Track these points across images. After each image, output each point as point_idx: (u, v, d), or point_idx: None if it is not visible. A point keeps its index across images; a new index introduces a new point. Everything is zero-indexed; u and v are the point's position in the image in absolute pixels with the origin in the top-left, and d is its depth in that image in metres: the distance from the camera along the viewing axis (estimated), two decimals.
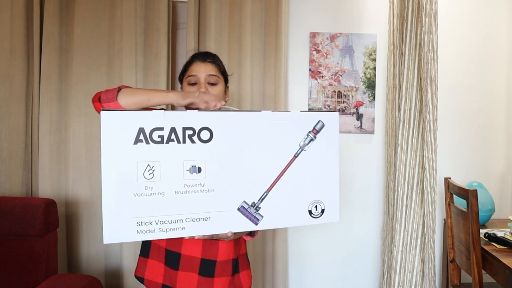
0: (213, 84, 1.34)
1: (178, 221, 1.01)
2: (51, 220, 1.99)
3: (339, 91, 2.57)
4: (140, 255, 1.39)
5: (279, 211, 1.09)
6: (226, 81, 1.41)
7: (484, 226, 2.30)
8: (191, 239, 1.23)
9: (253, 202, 1.06)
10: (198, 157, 1.01)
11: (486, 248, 1.92)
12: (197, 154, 1.01)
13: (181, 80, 1.41)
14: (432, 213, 2.02)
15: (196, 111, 1.02)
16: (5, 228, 1.92)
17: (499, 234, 2.05)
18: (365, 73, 2.57)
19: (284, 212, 1.10)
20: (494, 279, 1.86)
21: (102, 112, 0.94)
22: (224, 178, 1.03)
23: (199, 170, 1.01)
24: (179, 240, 1.29)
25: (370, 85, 2.57)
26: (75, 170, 2.37)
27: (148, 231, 0.99)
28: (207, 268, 1.31)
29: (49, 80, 2.33)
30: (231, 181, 1.04)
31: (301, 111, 1.11)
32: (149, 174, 0.97)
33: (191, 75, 1.34)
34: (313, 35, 2.55)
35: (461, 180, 2.47)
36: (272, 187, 1.08)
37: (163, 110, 1.00)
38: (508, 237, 2.00)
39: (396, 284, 2.09)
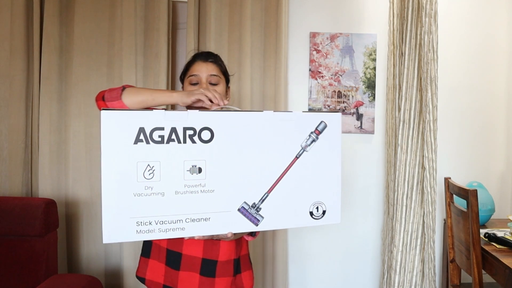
0: (214, 84, 1.34)
1: (178, 221, 1.01)
2: (51, 220, 1.99)
3: (339, 91, 2.57)
4: (141, 255, 1.39)
5: (279, 212, 1.09)
6: (227, 81, 1.42)
7: (484, 226, 2.30)
8: (192, 239, 1.22)
9: (254, 203, 1.06)
10: (198, 157, 1.00)
11: (486, 248, 1.92)
12: (197, 154, 1.00)
13: (182, 80, 1.41)
14: (432, 213, 2.02)
15: (197, 111, 1.02)
16: (5, 228, 1.92)
17: (499, 234, 2.05)
18: (365, 73, 2.57)
19: (285, 213, 1.09)
20: (494, 279, 1.86)
21: (102, 112, 0.94)
22: (225, 179, 1.03)
23: (200, 170, 1.01)
24: (180, 240, 1.29)
25: (370, 85, 2.57)
26: (75, 170, 2.37)
27: (147, 231, 0.99)
28: (208, 268, 1.30)
29: (49, 80, 2.33)
30: (232, 181, 1.03)
31: (303, 111, 1.10)
32: (149, 174, 0.97)
33: (192, 75, 1.34)
34: (313, 35, 2.55)
35: (461, 180, 2.47)
36: (273, 188, 1.07)
37: (163, 110, 0.99)
38: (508, 237, 2.01)
39: (396, 284, 2.09)
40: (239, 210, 1.05)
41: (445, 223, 2.38)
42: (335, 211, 1.15)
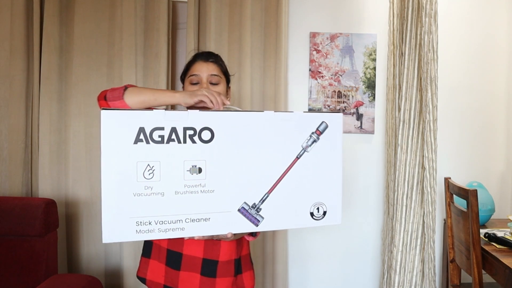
0: (215, 84, 1.34)
1: (178, 221, 1.01)
2: (51, 220, 1.99)
3: (339, 91, 2.57)
4: (142, 255, 1.39)
5: (280, 213, 1.08)
6: (228, 81, 1.41)
7: (484, 226, 2.30)
8: (192, 239, 1.22)
9: (254, 203, 1.06)
10: (198, 158, 1.00)
11: (486, 248, 1.92)
12: (197, 154, 1.00)
13: (182, 80, 1.41)
14: (432, 213, 2.02)
15: (197, 111, 1.02)
16: (5, 228, 1.92)
17: (499, 234, 2.05)
18: (365, 73, 2.57)
19: (285, 213, 1.09)
20: (494, 279, 1.86)
21: (102, 111, 0.94)
22: (225, 179, 1.03)
23: (200, 170, 1.01)
24: (181, 240, 1.29)
25: (370, 85, 2.57)
26: (75, 170, 2.37)
27: (147, 231, 0.99)
28: (209, 268, 1.30)
29: (49, 80, 2.33)
30: (232, 181, 1.03)
31: (304, 111, 1.10)
32: (149, 174, 0.97)
33: (193, 75, 1.34)
34: (313, 35, 2.55)
35: (461, 180, 2.47)
36: (274, 188, 1.07)
37: (163, 110, 0.99)
38: (508, 237, 2.00)
39: (396, 284, 2.09)
40: (239, 210, 1.05)
41: (445, 223, 2.38)
42: (336, 211, 1.14)
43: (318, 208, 1.12)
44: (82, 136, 2.37)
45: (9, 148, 2.32)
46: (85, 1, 2.36)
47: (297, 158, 1.08)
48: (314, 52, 2.56)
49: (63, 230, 2.35)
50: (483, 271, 1.89)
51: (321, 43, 2.55)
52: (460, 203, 2.11)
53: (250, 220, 1.06)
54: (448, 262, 2.26)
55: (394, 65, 2.28)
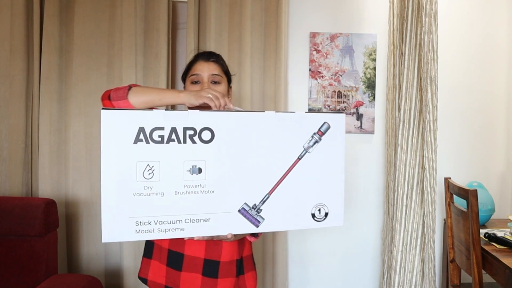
0: (216, 83, 1.33)
1: (178, 221, 1.00)
2: (51, 220, 1.99)
3: (339, 91, 2.57)
4: (144, 255, 1.38)
5: (281, 214, 1.08)
6: (229, 81, 1.41)
7: (484, 226, 2.30)
8: (193, 239, 1.22)
9: (255, 204, 1.05)
10: (198, 158, 1.00)
11: (486, 248, 1.92)
12: (197, 154, 1.00)
13: (183, 80, 1.41)
14: (432, 213, 2.02)
15: (198, 111, 1.01)
16: (5, 228, 1.92)
17: (499, 234, 2.05)
18: (365, 73, 2.57)
19: (286, 215, 1.08)
20: (494, 279, 1.86)
21: (102, 111, 0.94)
22: (225, 179, 1.02)
23: (200, 170, 1.00)
24: (182, 240, 1.28)
25: (370, 85, 2.57)
26: (75, 170, 2.37)
27: (147, 231, 0.98)
28: (210, 268, 1.29)
29: (49, 80, 2.33)
30: (232, 182, 1.03)
31: (306, 112, 1.09)
32: (149, 174, 0.97)
33: (194, 74, 1.34)
34: (313, 35, 2.55)
35: (461, 180, 2.47)
36: (274, 189, 1.06)
37: (163, 110, 0.99)
38: (508, 237, 2.00)
39: (396, 284, 2.09)
40: (239, 211, 1.04)
41: (445, 223, 2.38)
42: (337, 213, 1.13)
43: (319, 210, 1.11)
44: (82, 136, 2.37)
45: (9, 148, 2.32)
46: (85, 1, 2.36)
47: (299, 159, 1.07)
48: (314, 52, 2.56)
49: (63, 230, 2.35)
50: (483, 271, 1.89)
51: (321, 43, 2.55)
52: (460, 203, 2.10)
53: (251, 221, 1.05)
54: (448, 262, 2.26)
55: (394, 65, 2.28)
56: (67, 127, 2.37)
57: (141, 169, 0.97)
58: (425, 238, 2.07)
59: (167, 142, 0.98)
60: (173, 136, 0.98)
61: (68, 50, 2.37)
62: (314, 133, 1.08)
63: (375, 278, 2.64)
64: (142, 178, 0.97)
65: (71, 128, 2.37)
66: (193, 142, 1.00)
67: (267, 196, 1.06)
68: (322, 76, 2.56)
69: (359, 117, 2.57)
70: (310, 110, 2.56)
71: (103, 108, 0.95)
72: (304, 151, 1.08)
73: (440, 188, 2.38)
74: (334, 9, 2.57)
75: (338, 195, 1.13)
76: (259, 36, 2.44)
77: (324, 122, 1.09)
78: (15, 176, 2.33)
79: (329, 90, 2.56)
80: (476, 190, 1.87)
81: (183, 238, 1.10)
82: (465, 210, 1.95)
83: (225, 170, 1.02)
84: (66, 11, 2.37)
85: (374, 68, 2.57)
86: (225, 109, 1.16)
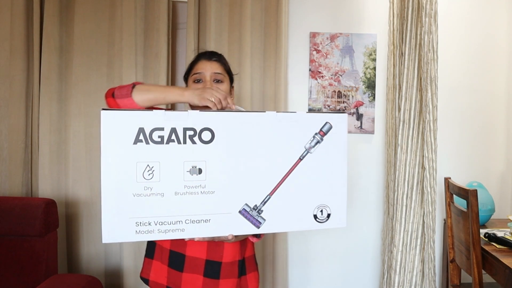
0: (218, 82, 1.33)
1: (178, 222, 1.00)
2: (51, 220, 1.99)
3: (339, 91, 2.57)
4: (146, 256, 1.38)
5: (282, 215, 1.07)
6: (231, 80, 1.41)
7: (484, 226, 2.30)
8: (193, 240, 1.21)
9: (255, 205, 1.04)
10: (198, 158, 1.00)
11: (486, 248, 1.92)
12: (197, 155, 0.99)
13: (185, 79, 1.40)
14: (432, 213, 2.02)
15: (198, 111, 1.01)
16: (5, 228, 1.92)
17: (499, 234, 2.05)
18: (365, 73, 2.57)
19: (287, 216, 1.07)
20: (494, 279, 1.86)
21: (102, 112, 0.94)
22: (225, 180, 1.02)
23: (200, 171, 1.00)
24: (183, 241, 1.27)
25: (370, 85, 2.57)
26: (75, 170, 2.37)
27: (147, 232, 0.98)
28: (212, 269, 1.29)
29: (49, 80, 2.33)
30: (233, 183, 1.02)
31: (307, 112, 1.09)
32: (149, 175, 0.97)
33: (196, 73, 1.33)
34: (313, 35, 2.55)
35: (461, 180, 2.47)
36: (276, 190, 1.05)
37: (163, 110, 0.99)
38: (508, 237, 2.00)
39: (396, 284, 2.09)
40: (240, 212, 1.04)
41: (445, 223, 2.38)
42: (340, 214, 1.12)
43: (321, 211, 1.10)
44: (82, 136, 2.37)
45: (9, 148, 2.32)
46: (85, 1, 2.36)
47: (300, 159, 1.06)
48: (314, 52, 2.55)
49: (63, 230, 2.35)
50: (483, 271, 1.89)
51: (321, 43, 2.55)
52: (460, 203, 2.10)
53: (251, 222, 1.05)
54: (448, 262, 2.26)
55: (394, 65, 2.28)
56: (67, 127, 2.37)
57: (141, 170, 0.96)
58: (425, 238, 2.07)
59: (167, 142, 0.98)
60: (173, 137, 0.98)
61: (68, 50, 2.37)
62: (316, 133, 1.07)
63: (375, 278, 2.64)
64: (142, 178, 0.97)
65: (71, 128, 2.37)
66: (193, 142, 0.99)
67: (268, 197, 1.05)
68: (322, 76, 2.56)
69: (359, 117, 2.57)
70: (310, 110, 2.56)
71: (103, 109, 0.95)
72: (306, 152, 1.07)
73: (440, 188, 2.38)
74: (334, 9, 2.57)
75: (341, 196, 1.12)
76: (259, 36, 2.44)
77: (326, 122, 1.08)
78: (15, 176, 2.33)
79: (329, 90, 2.56)
80: (476, 190, 1.87)
81: (184, 239, 1.09)
82: (465, 210, 1.95)
83: (226, 171, 1.02)
84: (66, 11, 2.37)
85: (374, 68, 2.57)
86: (227, 109, 1.16)
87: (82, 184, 2.38)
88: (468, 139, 2.62)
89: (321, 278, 2.64)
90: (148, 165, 0.97)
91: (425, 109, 1.99)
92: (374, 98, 2.57)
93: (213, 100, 1.13)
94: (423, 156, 2.05)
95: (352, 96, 2.57)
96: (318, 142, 1.07)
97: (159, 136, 0.97)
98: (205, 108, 1.14)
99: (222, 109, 1.14)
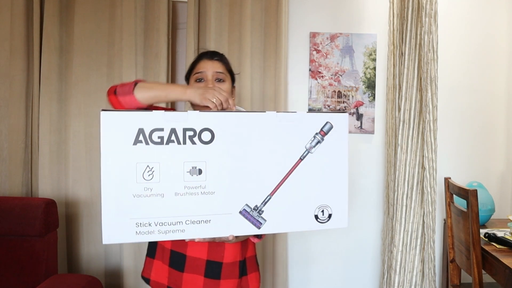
0: (220, 81, 1.32)
1: (178, 223, 1.00)
2: (51, 220, 1.99)
3: (339, 91, 2.57)
4: (147, 255, 1.37)
5: (283, 215, 1.06)
6: (233, 80, 1.40)
7: (484, 226, 2.30)
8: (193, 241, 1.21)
9: (256, 206, 1.04)
10: (198, 159, 0.99)
11: (486, 248, 1.92)
12: (197, 155, 0.99)
13: (187, 79, 1.40)
14: (432, 213, 2.02)
15: (197, 111, 1.01)
16: (5, 228, 1.92)
17: (499, 234, 2.05)
18: (365, 73, 2.57)
19: (288, 216, 1.07)
20: (494, 279, 1.86)
21: (101, 113, 0.94)
22: (226, 181, 1.01)
23: (200, 172, 0.99)
24: (184, 241, 1.26)
25: (370, 85, 2.57)
26: (75, 170, 2.37)
27: (147, 232, 0.98)
28: (213, 270, 1.28)
29: (49, 80, 2.33)
30: (233, 183, 1.02)
31: (307, 111, 1.08)
32: (149, 175, 0.97)
33: (198, 72, 1.33)
34: (313, 35, 2.55)
35: (461, 180, 2.47)
36: (276, 190, 1.05)
37: (163, 111, 0.99)
38: (508, 237, 2.00)
39: (396, 284, 2.09)
40: (240, 212, 1.03)
41: (445, 223, 2.38)
42: (341, 214, 1.12)
43: (323, 211, 1.10)
44: (82, 136, 2.37)
45: (9, 148, 2.32)
46: (85, 1, 2.36)
47: (301, 159, 1.06)
48: (314, 52, 2.55)
49: (63, 230, 2.35)
50: (483, 271, 1.89)
51: (321, 43, 2.55)
52: (460, 203, 2.10)
53: (252, 223, 1.04)
54: (448, 262, 2.26)
55: (394, 65, 2.28)
56: (67, 127, 2.37)
57: (141, 171, 0.96)
58: (425, 238, 2.07)
59: (167, 143, 0.97)
60: (173, 137, 0.98)
61: (68, 50, 2.37)
62: (316, 133, 1.07)
63: (375, 278, 2.64)
64: (142, 179, 0.96)
65: (71, 128, 2.37)
66: (193, 143, 0.99)
67: (268, 197, 1.04)
68: (322, 76, 2.56)
69: (359, 117, 2.57)
70: (310, 110, 2.56)
71: (102, 110, 0.94)
72: (306, 152, 1.06)
73: (440, 188, 2.38)
74: (334, 9, 2.57)
75: (342, 196, 1.11)
76: (259, 36, 2.44)
77: (327, 122, 1.07)
78: (15, 176, 2.33)
79: (329, 90, 2.56)
80: (476, 190, 1.87)
81: (185, 239, 1.09)
82: (465, 210, 1.95)
83: (226, 171, 1.01)
84: (66, 11, 2.37)
85: (374, 68, 2.57)
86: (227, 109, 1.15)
87: (82, 184, 2.38)
88: (468, 139, 2.62)
89: (321, 278, 2.64)
90: (148, 165, 0.97)
91: (425, 109, 1.99)
92: (374, 98, 2.57)
93: (214, 101, 1.12)
94: (423, 156, 2.05)
95: (352, 96, 2.57)
96: (318, 142, 1.07)
97: (158, 137, 0.97)
98: (205, 108, 1.13)
99: (223, 110, 1.14)
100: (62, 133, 2.37)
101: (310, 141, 1.07)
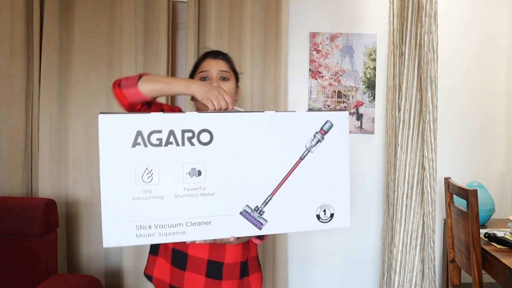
0: (224, 80, 1.32)
1: (178, 225, 0.99)
2: (51, 220, 1.99)
3: (339, 91, 2.57)
4: (150, 253, 1.37)
5: (284, 216, 1.05)
6: (237, 79, 1.40)
7: (484, 226, 2.30)
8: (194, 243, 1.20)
9: (257, 206, 1.03)
10: (197, 160, 0.99)
11: (486, 248, 1.92)
12: (196, 157, 0.98)
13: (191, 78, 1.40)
14: (432, 213, 2.02)
15: (196, 112, 1.01)
16: (5, 228, 1.92)
17: (499, 234, 2.05)
18: (365, 73, 2.57)
19: (290, 216, 1.06)
20: (494, 279, 1.86)
21: (99, 116, 0.94)
22: (226, 182, 1.01)
23: (199, 173, 0.99)
24: None
25: (370, 85, 2.57)
26: (75, 170, 2.37)
27: (147, 235, 0.97)
28: (214, 270, 1.28)
29: (49, 80, 2.33)
30: (233, 184, 1.01)
31: (307, 110, 1.07)
32: (148, 178, 0.96)
33: (203, 71, 1.33)
34: (313, 35, 2.55)
35: (461, 180, 2.46)
36: (277, 190, 1.04)
37: (161, 112, 0.99)
38: (508, 237, 2.00)
39: (396, 284, 2.09)
40: (241, 213, 1.02)
41: (445, 223, 2.38)
42: (344, 214, 1.11)
43: (324, 211, 1.09)
44: (82, 136, 2.37)
45: (9, 148, 2.32)
46: (85, 1, 2.36)
47: (301, 158, 1.05)
48: (314, 52, 2.55)
49: (63, 230, 2.35)
50: (483, 271, 1.89)
51: (321, 43, 2.55)
52: (460, 203, 2.10)
53: (253, 223, 1.03)
54: (448, 262, 2.26)
55: (394, 65, 2.28)
56: (67, 127, 2.37)
57: (140, 173, 0.96)
58: (425, 238, 2.07)
59: (166, 145, 0.97)
60: (171, 139, 0.97)
61: (68, 50, 2.37)
62: (317, 132, 1.06)
63: (375, 278, 2.64)
64: (141, 181, 0.96)
65: (71, 128, 2.37)
66: (192, 144, 0.98)
67: (269, 197, 1.04)
68: (322, 76, 2.56)
69: (359, 117, 2.57)
70: (310, 110, 2.56)
71: (100, 113, 0.94)
72: (307, 151, 1.05)
73: (440, 188, 2.38)
74: (334, 9, 2.57)
75: (344, 195, 1.10)
76: (259, 36, 2.44)
77: (327, 121, 1.06)
78: (15, 176, 2.33)
79: (329, 90, 2.56)
80: (476, 190, 1.87)
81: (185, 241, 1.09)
82: (465, 210, 1.95)
83: (225, 172, 1.01)
84: (66, 11, 2.37)
85: (374, 68, 2.57)
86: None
87: (82, 184, 2.38)
88: (468, 139, 2.62)
89: (321, 278, 2.64)
90: (147, 168, 0.96)
91: (425, 109, 1.99)
92: (374, 98, 2.57)
93: (215, 105, 1.12)
94: (423, 156, 2.05)
95: (352, 96, 2.57)
96: (319, 141, 1.06)
97: (157, 139, 0.96)
98: (205, 105, 1.13)
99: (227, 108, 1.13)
100: (62, 133, 2.37)
101: (310, 140, 1.06)
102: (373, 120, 2.57)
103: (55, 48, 2.34)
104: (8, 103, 2.32)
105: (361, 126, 2.57)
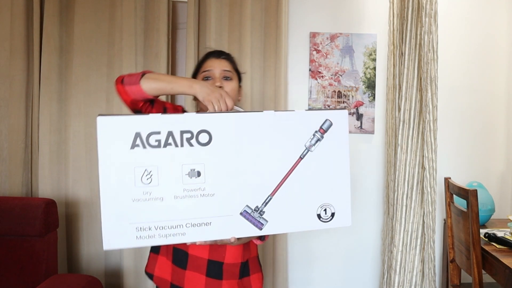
0: (227, 79, 1.32)
1: (178, 226, 0.99)
2: (51, 220, 1.99)
3: (339, 91, 2.57)
4: (151, 251, 1.37)
5: (285, 215, 1.05)
6: (239, 79, 1.40)
7: (484, 226, 2.30)
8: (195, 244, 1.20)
9: (257, 206, 1.02)
10: (197, 161, 0.98)
11: (486, 248, 1.92)
12: (196, 157, 0.98)
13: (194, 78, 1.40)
14: (432, 213, 2.02)
15: (194, 113, 1.00)
16: (5, 228, 1.92)
17: (499, 234, 2.05)
18: (365, 73, 2.57)
19: (290, 216, 1.05)
20: (494, 279, 1.86)
21: (98, 118, 0.93)
22: (225, 182, 1.00)
23: (199, 174, 0.98)
24: None
25: (370, 85, 2.57)
26: (75, 170, 2.37)
27: (147, 237, 0.97)
28: (214, 269, 1.28)
29: (49, 80, 2.33)
30: (233, 184, 1.01)
31: (306, 109, 1.07)
32: (147, 179, 0.96)
33: (205, 71, 1.32)
34: (313, 35, 2.55)
35: (461, 180, 2.46)
36: (277, 190, 1.03)
37: (159, 114, 0.98)
38: (508, 237, 2.00)
39: (396, 284, 2.09)
40: (241, 214, 1.02)
41: (445, 223, 2.38)
42: (344, 213, 1.10)
43: (325, 210, 1.08)
44: (82, 136, 2.37)
45: (9, 148, 2.32)
46: (85, 1, 2.36)
47: (301, 158, 1.04)
48: (314, 52, 2.55)
49: (63, 230, 2.35)
50: (483, 271, 1.89)
51: (321, 43, 2.55)
52: (460, 203, 2.10)
53: (253, 224, 1.03)
54: (448, 262, 2.26)
55: (394, 65, 2.28)
56: (67, 127, 2.38)
57: (139, 175, 0.95)
58: (425, 238, 2.07)
59: (164, 146, 0.97)
60: (170, 140, 0.97)
61: (68, 50, 2.37)
62: (316, 131, 1.05)
63: (375, 278, 2.64)
64: (140, 183, 0.96)
65: (71, 128, 2.37)
66: (191, 145, 0.98)
67: (269, 197, 1.03)
68: (322, 76, 2.56)
69: (359, 117, 2.57)
70: (310, 110, 2.55)
71: (99, 115, 0.94)
72: (306, 150, 1.05)
73: (440, 188, 2.38)
74: (334, 9, 2.57)
75: (345, 194, 1.10)
76: (259, 36, 2.44)
77: (326, 120, 1.06)
78: (15, 176, 2.33)
79: (329, 90, 2.56)
80: (476, 190, 1.87)
81: (186, 243, 1.08)
82: (465, 210, 1.95)
83: (225, 173, 1.00)
84: (66, 11, 2.37)
85: (374, 68, 2.57)
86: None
87: (82, 184, 2.38)
88: (468, 139, 2.62)
89: (321, 278, 2.64)
90: (146, 169, 0.96)
91: (425, 109, 1.99)
92: (374, 98, 2.57)
93: (216, 107, 1.11)
94: (423, 156, 2.05)
95: (352, 96, 2.57)
96: (318, 140, 1.05)
97: (156, 140, 0.96)
98: (205, 107, 1.13)
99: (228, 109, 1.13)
100: (62, 133, 2.37)
101: (310, 140, 1.05)
102: (373, 120, 2.57)
103: (55, 48, 2.34)
104: (8, 103, 2.32)
105: (361, 126, 2.57)
